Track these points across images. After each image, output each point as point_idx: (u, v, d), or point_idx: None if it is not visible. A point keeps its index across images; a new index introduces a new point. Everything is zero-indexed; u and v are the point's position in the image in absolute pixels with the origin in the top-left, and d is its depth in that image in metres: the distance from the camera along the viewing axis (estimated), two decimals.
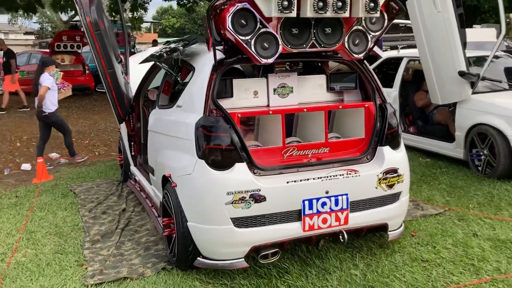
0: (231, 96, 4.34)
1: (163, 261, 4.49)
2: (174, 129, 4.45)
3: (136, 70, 6.65)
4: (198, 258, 4.10)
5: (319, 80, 4.75)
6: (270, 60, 3.91)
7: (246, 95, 4.44)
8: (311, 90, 4.73)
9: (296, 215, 4.02)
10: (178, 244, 4.15)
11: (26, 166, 8.82)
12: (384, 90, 4.76)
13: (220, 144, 3.93)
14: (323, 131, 4.44)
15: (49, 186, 7.38)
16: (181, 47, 4.71)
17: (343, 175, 4.17)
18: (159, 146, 4.87)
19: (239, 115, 4.13)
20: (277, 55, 3.90)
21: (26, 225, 5.62)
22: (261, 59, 3.87)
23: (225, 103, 4.24)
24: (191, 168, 3.99)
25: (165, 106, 5.06)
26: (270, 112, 4.27)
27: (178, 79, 4.89)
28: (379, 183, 4.26)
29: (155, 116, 5.25)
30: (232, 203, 3.85)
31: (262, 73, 4.76)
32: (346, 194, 4.14)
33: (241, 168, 3.92)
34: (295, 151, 4.33)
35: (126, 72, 6.41)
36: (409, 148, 6.58)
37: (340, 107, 4.59)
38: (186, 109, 4.30)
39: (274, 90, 4.53)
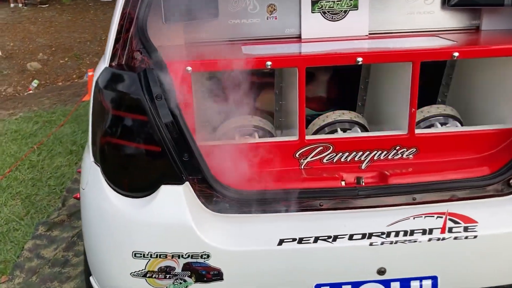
0: (214, 15, 1.99)
1: None
2: None
3: None
4: None
5: None
6: None
7: (251, 13, 2.06)
8: (404, 5, 2.11)
9: None
10: None
11: None
12: None
13: (126, 135, 1.70)
14: (405, 110, 1.89)
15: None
16: None
17: (432, 232, 1.69)
18: None
19: (189, 68, 1.79)
20: None
21: (7, 175, 4.17)
22: None
23: (196, 33, 1.95)
24: (86, 177, 1.87)
25: None
26: (268, 64, 1.81)
27: None
28: None
29: None
30: (145, 275, 1.70)
31: None
32: (435, 279, 1.68)
33: (172, 196, 1.68)
34: (328, 154, 1.89)
35: None
36: None
37: (456, 55, 1.88)
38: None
39: (314, 2, 2.05)
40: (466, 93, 2.24)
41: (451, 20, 2.19)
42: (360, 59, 1.81)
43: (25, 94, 7.37)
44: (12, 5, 11.78)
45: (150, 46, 1.74)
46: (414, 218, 1.74)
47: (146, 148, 1.70)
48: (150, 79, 1.68)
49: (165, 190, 1.70)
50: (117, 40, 1.79)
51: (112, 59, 1.80)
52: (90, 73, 6.52)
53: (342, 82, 2.49)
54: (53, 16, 11.06)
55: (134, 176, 1.75)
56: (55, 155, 4.60)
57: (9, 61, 8.71)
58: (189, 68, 1.79)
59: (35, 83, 7.81)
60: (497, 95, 2.04)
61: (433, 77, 2.29)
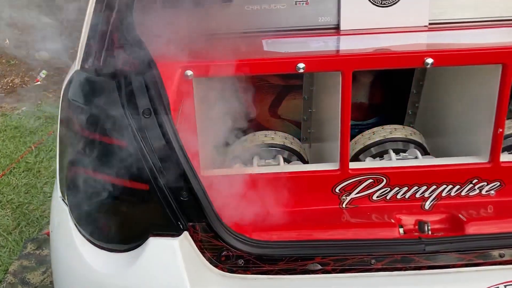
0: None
1: None
2: None
3: None
4: None
5: None
6: None
7: None
8: None
9: None
10: None
11: None
12: None
13: (102, 167, 1.22)
14: (487, 130, 1.36)
15: None
16: None
17: None
18: None
19: (190, 72, 1.29)
20: None
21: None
22: None
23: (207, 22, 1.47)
24: (53, 218, 1.39)
25: None
26: (300, 66, 1.29)
27: None
28: None
29: None
30: None
31: None
32: None
33: (163, 253, 1.20)
34: (379, 189, 1.37)
35: None
36: None
37: None
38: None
39: None
40: None
41: None
42: (430, 60, 1.28)
43: (33, 85, 6.99)
44: None
45: (136, 40, 1.25)
46: (505, 286, 1.23)
47: (128, 185, 1.21)
48: (135, 88, 1.19)
49: (155, 244, 1.21)
50: (92, 33, 1.30)
51: (85, 59, 1.31)
52: None
53: (388, 84, 1.96)
54: None
55: (113, 223, 1.26)
56: (54, 157, 4.18)
57: (18, 51, 8.33)
58: (190, 73, 1.29)
59: (43, 73, 7.42)
60: None
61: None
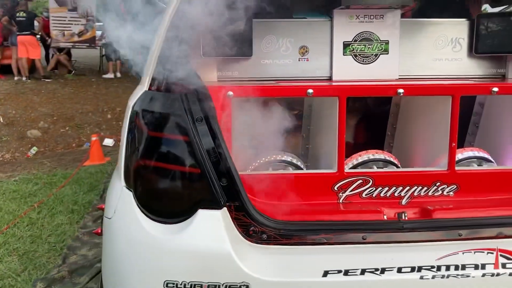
0: (248, 54, 2.00)
1: None
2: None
3: None
4: None
5: (453, 30, 2.15)
6: None
7: (283, 54, 2.08)
8: (432, 51, 2.15)
9: None
10: None
11: (108, 142, 7.77)
12: None
13: (165, 157, 1.63)
14: (444, 145, 1.85)
15: (90, 172, 5.89)
16: None
17: (484, 267, 1.58)
18: None
19: (231, 93, 1.76)
20: None
21: (4, 231, 3.99)
22: None
23: (229, 70, 1.94)
24: (114, 205, 1.76)
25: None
26: (309, 91, 1.80)
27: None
28: None
29: None
30: None
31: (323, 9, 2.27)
32: None
33: (209, 221, 1.59)
34: (367, 188, 1.82)
35: None
36: None
37: (495, 90, 1.90)
38: (141, 80, 2.04)
39: (346, 46, 2.08)
40: (497, 133, 2.24)
41: (478, 67, 2.24)
42: (401, 90, 1.81)
43: (23, 159, 7.29)
44: (16, 78, 11.99)
45: (190, 73, 1.73)
46: (463, 253, 1.65)
47: (185, 170, 1.63)
48: (191, 101, 1.66)
49: (203, 215, 1.61)
50: (157, 66, 1.79)
51: (151, 84, 1.78)
52: (94, 138, 6.52)
53: (369, 123, 2.48)
54: (56, 88, 11.24)
55: (170, 200, 1.66)
56: (56, 214, 4.44)
57: (10, 128, 8.70)
58: (231, 93, 1.77)
59: (33, 150, 7.75)
60: None
61: (465, 118, 2.29)
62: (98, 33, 13.41)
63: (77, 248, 3.77)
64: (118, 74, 13.07)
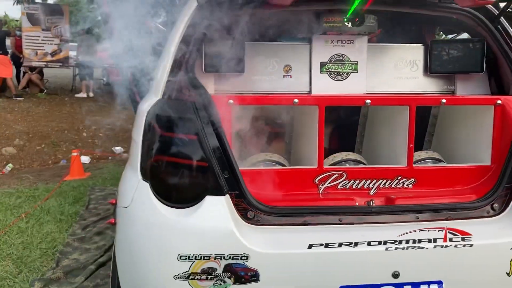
0: (241, 71, 2.37)
1: None
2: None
3: None
4: None
5: (411, 53, 2.59)
6: None
7: (270, 71, 2.45)
8: (394, 71, 2.58)
9: None
10: None
11: (85, 159, 7.87)
12: None
13: (178, 153, 1.98)
14: (404, 147, 2.27)
15: (72, 186, 6.07)
16: None
17: (436, 241, 1.98)
18: None
19: (231, 101, 2.13)
20: None
21: None
22: None
23: (224, 84, 2.30)
24: (130, 196, 2.09)
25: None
26: (295, 101, 2.20)
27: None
28: None
29: None
30: (188, 277, 1.89)
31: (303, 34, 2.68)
32: (440, 283, 1.94)
33: (215, 205, 1.93)
34: (342, 181, 2.22)
35: None
36: None
37: (444, 101, 2.34)
38: (151, 90, 2.40)
39: (323, 65, 2.48)
40: (448, 140, 2.69)
41: (431, 84, 2.68)
42: (368, 101, 2.23)
43: None
44: None
45: (198, 85, 2.10)
46: (419, 231, 2.05)
47: (195, 164, 1.98)
48: (199, 108, 2.02)
49: (210, 200, 1.96)
50: (168, 79, 2.15)
51: (164, 94, 2.14)
52: (74, 154, 6.71)
53: (342, 131, 2.89)
54: (30, 107, 11.32)
55: (183, 189, 2.01)
56: (44, 223, 4.63)
57: None
58: (231, 101, 2.15)
59: (9, 167, 7.84)
60: (475, 140, 2.48)
61: (421, 124, 2.73)
62: (72, 53, 13.57)
63: (68, 253, 3.99)
64: (91, 94, 13.23)
